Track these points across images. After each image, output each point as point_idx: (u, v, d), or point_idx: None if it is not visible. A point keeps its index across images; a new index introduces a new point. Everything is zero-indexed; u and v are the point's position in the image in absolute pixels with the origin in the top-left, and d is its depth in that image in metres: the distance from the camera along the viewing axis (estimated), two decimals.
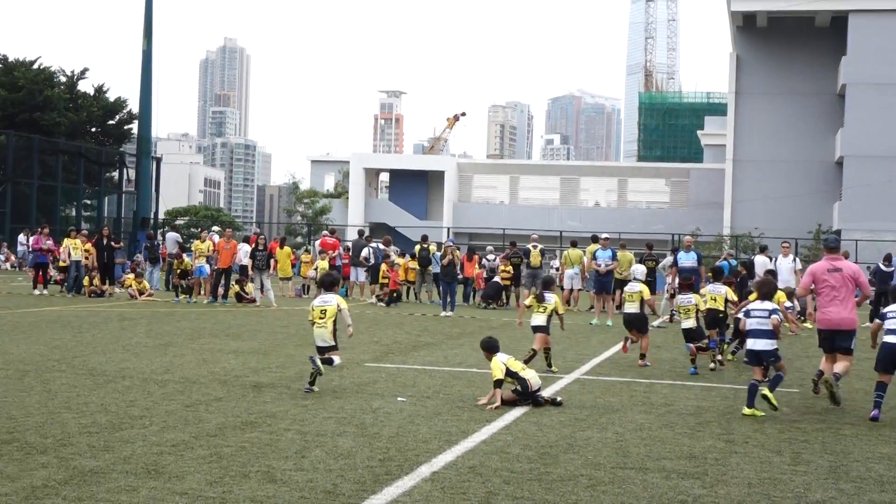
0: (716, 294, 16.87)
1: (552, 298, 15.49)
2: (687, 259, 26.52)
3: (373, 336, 19.94)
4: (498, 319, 25.95)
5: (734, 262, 29.98)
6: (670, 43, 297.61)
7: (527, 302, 16.15)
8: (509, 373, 11.68)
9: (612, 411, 11.54)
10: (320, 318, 12.51)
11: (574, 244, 32.21)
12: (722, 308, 16.83)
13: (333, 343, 12.55)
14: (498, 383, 11.64)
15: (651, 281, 30.15)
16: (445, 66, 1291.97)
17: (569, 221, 79.46)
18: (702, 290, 17.84)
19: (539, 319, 15.35)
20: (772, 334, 11.99)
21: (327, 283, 13.04)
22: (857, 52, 59.24)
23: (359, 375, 13.83)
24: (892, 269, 30.09)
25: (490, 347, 12.08)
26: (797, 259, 27.34)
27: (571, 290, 31.12)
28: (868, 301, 28.74)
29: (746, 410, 11.71)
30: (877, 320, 12.41)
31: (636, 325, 16.83)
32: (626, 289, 17.38)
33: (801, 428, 10.90)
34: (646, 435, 10.11)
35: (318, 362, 12.17)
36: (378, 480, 7.72)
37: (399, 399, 11.77)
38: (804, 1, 60.50)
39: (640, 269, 18.31)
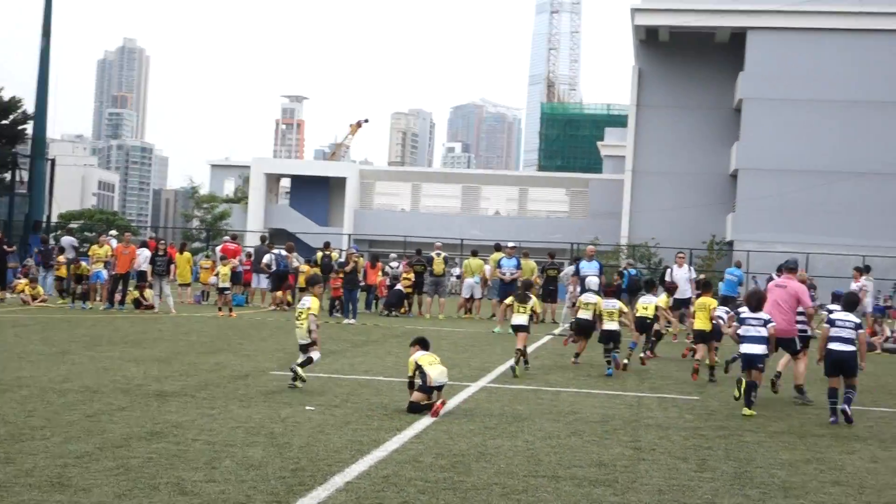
0: (647, 304, 19.00)
1: (532, 299, 17.12)
2: (589, 268, 26.75)
3: (277, 343, 19.76)
4: (401, 327, 25.91)
5: (633, 272, 30.44)
6: (573, 55, 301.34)
7: (507, 301, 17.84)
8: (417, 366, 11.85)
9: (521, 419, 11.58)
10: (297, 319, 13.51)
11: (475, 253, 32.45)
12: (651, 316, 18.88)
13: (310, 340, 13.49)
14: (409, 384, 12.03)
15: (553, 289, 30.50)
16: (348, 72, 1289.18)
17: (470, 230, 79.72)
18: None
19: (521, 319, 16.72)
20: (766, 341, 13.06)
21: (310, 282, 14.23)
22: (754, 68, 60.66)
23: (265, 384, 13.65)
24: None
25: (414, 343, 12.49)
26: (692, 269, 27.82)
27: (471, 299, 31.39)
28: None
29: (746, 411, 12.67)
30: (825, 325, 13.18)
31: (587, 331, 18.30)
32: (582, 298, 18.60)
33: (704, 435, 11.08)
34: (555, 443, 10.16)
35: (299, 371, 13.24)
36: (291, 491, 7.62)
37: (307, 408, 11.65)
38: (705, 17, 61.71)
39: (594, 282, 19.05)
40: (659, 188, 66.02)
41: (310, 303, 13.58)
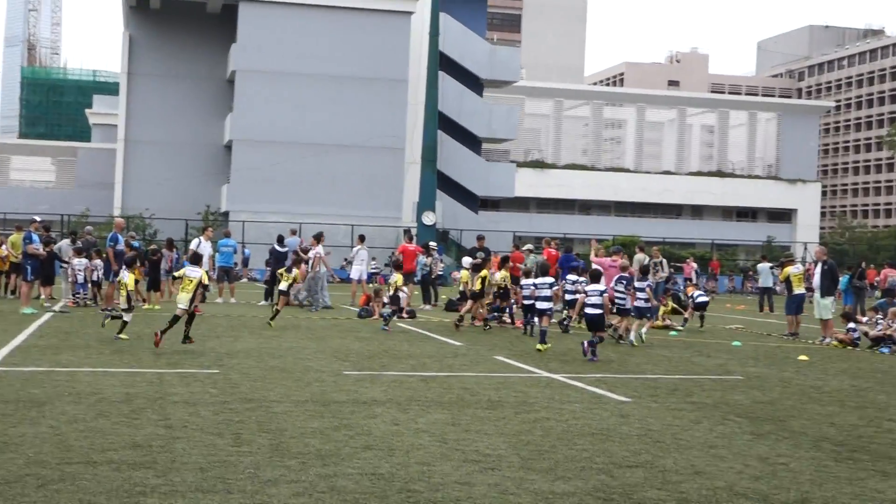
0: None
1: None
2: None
3: None
4: None
5: (136, 244, 29.93)
6: (55, 17, 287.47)
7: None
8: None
9: (40, 404, 10.99)
10: (188, 285, 16.86)
11: None
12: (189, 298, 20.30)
13: (189, 306, 16.92)
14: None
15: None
16: None
17: None
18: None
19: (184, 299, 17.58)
20: (602, 307, 17.84)
21: (195, 259, 17.65)
22: (246, 40, 61.26)
23: None
24: (286, 249, 31.69)
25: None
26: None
27: None
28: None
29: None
30: (581, 295, 19.51)
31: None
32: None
33: (233, 409, 11.14)
34: (83, 426, 9.76)
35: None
36: None
37: None
38: None
39: None
40: (153, 158, 64.97)
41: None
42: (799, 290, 25.24)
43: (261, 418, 10.60)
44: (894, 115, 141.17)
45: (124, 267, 19.14)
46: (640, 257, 30.22)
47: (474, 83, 68.87)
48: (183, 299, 16.91)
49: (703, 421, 11.39)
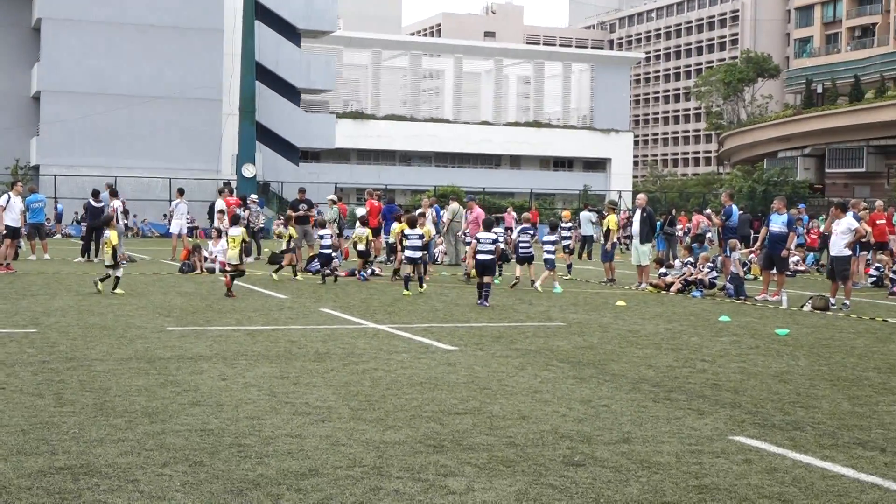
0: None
1: None
2: None
3: None
4: None
5: None
6: None
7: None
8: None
9: None
10: (232, 243, 19.86)
11: None
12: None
13: (240, 261, 19.96)
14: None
15: None
16: None
17: None
18: None
19: (232, 255, 20.18)
20: (493, 253, 19.34)
21: (234, 219, 21.16)
22: None
23: None
24: (103, 203, 30.80)
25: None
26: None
27: None
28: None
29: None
30: (474, 241, 20.67)
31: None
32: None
33: (53, 368, 10.83)
34: None
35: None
36: None
37: None
38: None
39: None
40: None
41: (241, 232, 20.15)
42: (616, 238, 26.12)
43: (83, 377, 10.34)
44: (701, 66, 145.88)
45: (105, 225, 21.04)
46: (454, 207, 30.70)
47: (291, 33, 67.99)
48: (231, 255, 19.92)
49: (528, 367, 11.68)
